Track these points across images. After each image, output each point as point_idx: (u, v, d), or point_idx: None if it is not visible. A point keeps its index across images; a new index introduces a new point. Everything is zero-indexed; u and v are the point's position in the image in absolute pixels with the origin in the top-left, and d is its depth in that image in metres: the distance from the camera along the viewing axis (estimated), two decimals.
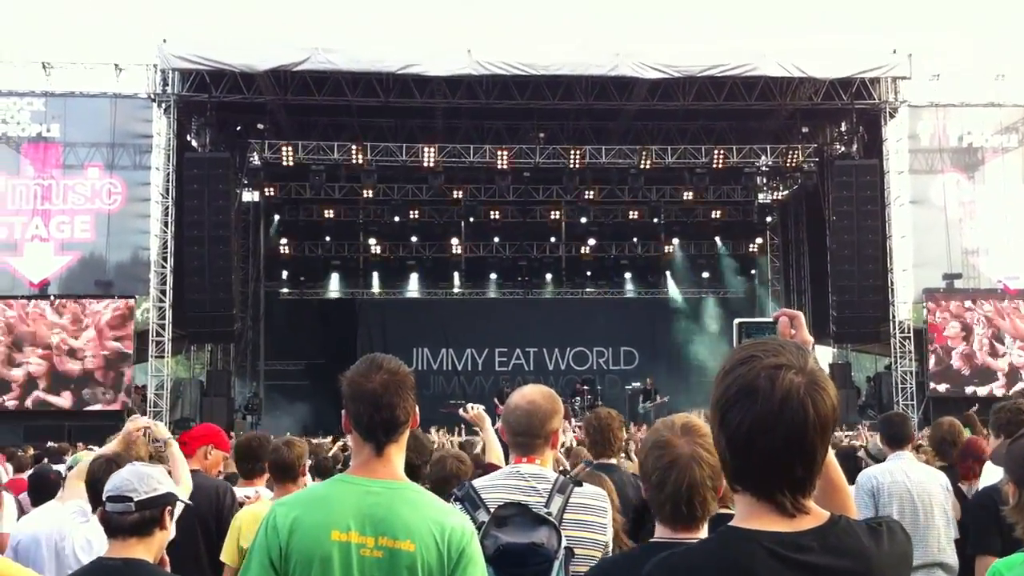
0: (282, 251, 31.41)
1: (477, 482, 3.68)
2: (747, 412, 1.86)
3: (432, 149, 25.74)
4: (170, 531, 3.51)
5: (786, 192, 30.76)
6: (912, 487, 5.81)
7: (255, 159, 26.88)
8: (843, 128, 26.77)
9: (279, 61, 22.98)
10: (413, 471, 4.90)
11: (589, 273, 32.52)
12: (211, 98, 24.19)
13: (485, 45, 23.62)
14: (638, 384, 26.41)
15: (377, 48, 23.71)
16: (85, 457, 5.43)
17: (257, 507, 5.44)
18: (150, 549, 3.40)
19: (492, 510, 3.38)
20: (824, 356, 28.10)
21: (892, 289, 24.69)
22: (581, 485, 3.61)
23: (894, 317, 24.64)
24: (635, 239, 32.15)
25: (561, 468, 5.09)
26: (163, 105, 23.97)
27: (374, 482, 2.83)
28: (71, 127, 24.05)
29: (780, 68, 23.48)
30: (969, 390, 23.89)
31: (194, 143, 25.70)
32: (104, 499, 3.48)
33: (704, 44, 24.09)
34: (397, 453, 2.90)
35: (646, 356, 30.42)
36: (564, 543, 3.29)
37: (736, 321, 2.40)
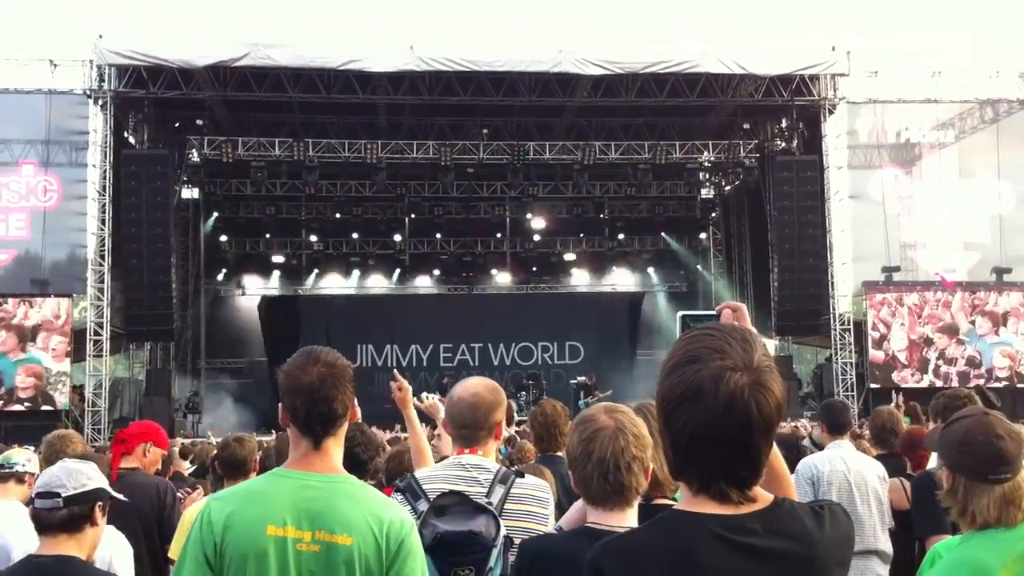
0: (223, 248, 31.10)
1: (419, 473, 3.66)
2: (691, 414, 1.86)
3: (375, 145, 25.62)
4: (102, 527, 3.43)
5: (728, 187, 31.05)
6: (850, 475, 5.88)
7: (194, 155, 26.55)
8: (783, 124, 27.10)
9: (218, 57, 22.73)
10: (360, 466, 4.84)
11: (534, 269, 32.60)
12: (148, 94, 23.85)
13: (428, 41, 23.63)
14: (582, 378, 26.50)
15: (318, 44, 23.56)
16: (15, 455, 5.30)
17: (202, 504, 5.37)
18: (82, 546, 3.34)
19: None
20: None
21: (832, 282, 25.04)
22: (523, 476, 3.60)
23: (834, 310, 24.99)
24: (580, 234, 32.30)
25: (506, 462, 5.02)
26: (99, 101, 23.58)
27: (311, 475, 2.78)
28: (4, 124, 23.65)
29: (721, 65, 23.70)
30: (906, 381, 24.28)
31: (131, 140, 25.35)
32: (33, 496, 3.41)
33: (647, 42, 24.17)
34: (335, 446, 2.85)
35: (591, 350, 30.52)
36: (503, 532, 3.26)
37: (679, 314, 2.41)
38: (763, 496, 1.92)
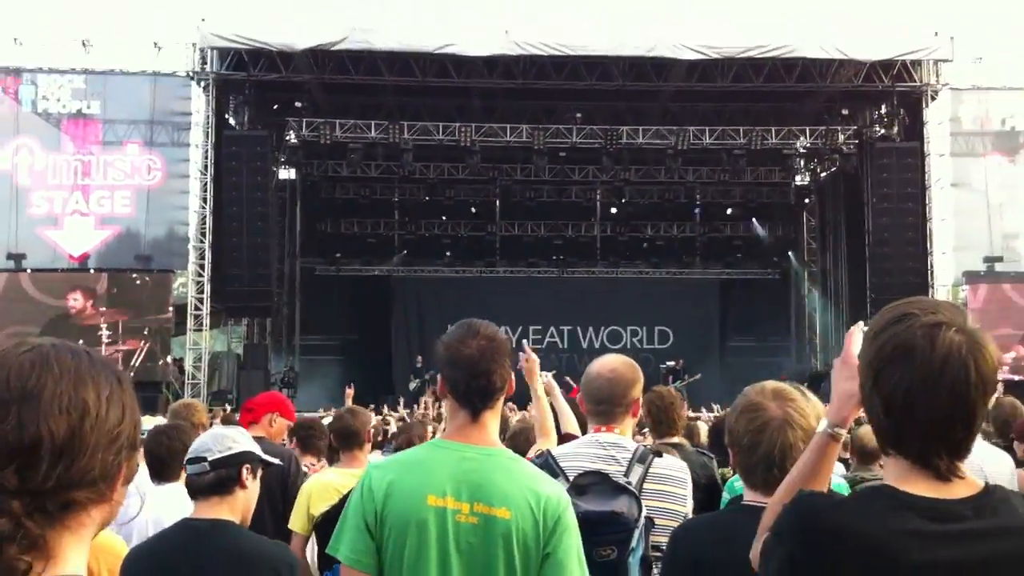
0: (318, 228, 31.56)
1: (556, 450, 3.69)
2: (905, 373, 1.81)
3: (469, 128, 25.71)
4: (253, 490, 3.50)
5: (824, 174, 30.51)
6: (985, 469, 5.78)
7: (292, 137, 26.96)
8: (883, 110, 26.55)
9: (317, 40, 23.03)
10: None
11: (625, 253, 32.41)
12: (249, 77, 24.31)
13: (523, 26, 23.53)
14: (671, 363, 26.41)
15: (414, 28, 23.67)
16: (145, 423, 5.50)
17: (325, 475, 5.50)
18: (234, 509, 3.41)
19: (571, 478, 3.39)
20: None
21: (931, 272, 24.49)
22: (661, 456, 3.62)
23: None
24: (671, 220, 32.04)
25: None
26: (202, 83, 24.09)
27: (469, 447, 2.82)
28: (111, 104, 24.16)
29: (820, 50, 23.29)
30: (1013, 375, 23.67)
31: (232, 121, 25.83)
32: (184, 463, 3.52)
33: (743, 25, 23.74)
34: (492, 419, 2.89)
35: (681, 336, 30.37)
36: (644, 512, 3.29)
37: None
38: (972, 481, 1.86)
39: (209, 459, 3.42)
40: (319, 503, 5.05)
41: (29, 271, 23.67)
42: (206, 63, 23.97)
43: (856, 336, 2.17)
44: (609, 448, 3.58)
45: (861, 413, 2.12)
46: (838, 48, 23.20)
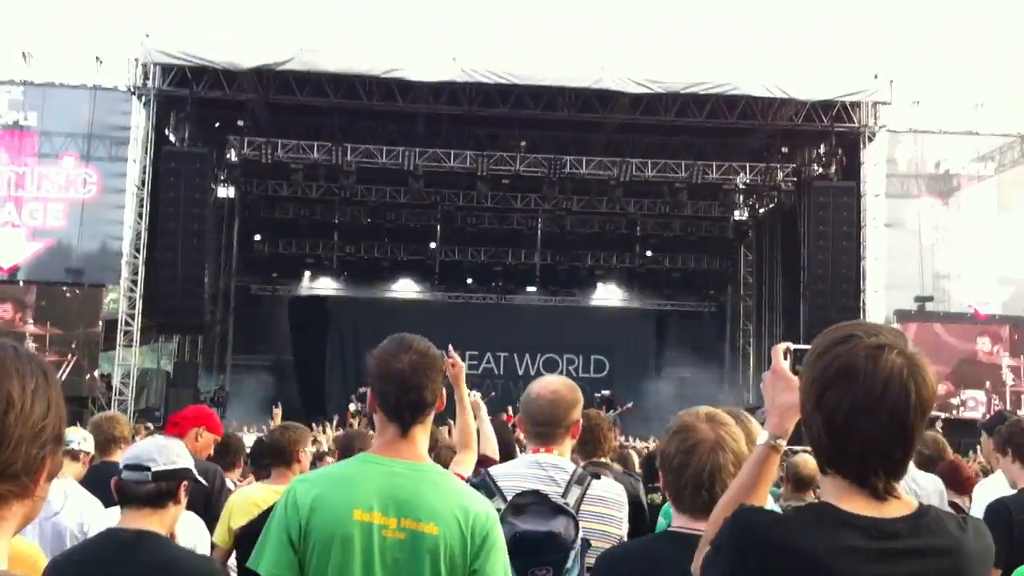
0: (256, 247, 31.22)
1: (494, 469, 3.63)
2: (847, 393, 1.84)
3: (412, 153, 25.66)
4: (183, 507, 3.41)
5: (763, 210, 30.88)
6: (916, 487, 5.79)
7: (232, 155, 26.68)
8: (822, 149, 26.94)
9: (263, 60, 22.88)
10: None
11: (564, 281, 32.50)
12: (192, 94, 23.99)
13: (471, 53, 23.60)
14: (606, 392, 26.46)
15: (362, 50, 23.62)
16: (71, 433, 5.31)
17: (249, 489, 5.37)
18: (164, 522, 3.30)
19: (509, 498, 3.33)
20: None
21: (863, 309, 24.83)
22: (599, 478, 3.58)
23: None
24: (611, 250, 32.21)
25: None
26: (143, 99, 23.75)
27: (398, 462, 2.77)
28: (49, 117, 23.78)
29: (763, 88, 23.67)
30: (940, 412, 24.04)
31: (172, 137, 25.48)
32: (121, 467, 3.39)
33: (688, 61, 24.03)
34: (422, 434, 2.84)
35: (617, 366, 30.47)
36: (581, 534, 3.23)
37: (788, 346, 2.29)
38: (907, 501, 1.90)
39: (153, 469, 3.30)
40: (239, 517, 4.92)
41: None
42: (148, 78, 23.63)
43: (782, 350, 2.19)
44: (548, 469, 3.53)
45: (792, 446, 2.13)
46: (780, 87, 23.58)
